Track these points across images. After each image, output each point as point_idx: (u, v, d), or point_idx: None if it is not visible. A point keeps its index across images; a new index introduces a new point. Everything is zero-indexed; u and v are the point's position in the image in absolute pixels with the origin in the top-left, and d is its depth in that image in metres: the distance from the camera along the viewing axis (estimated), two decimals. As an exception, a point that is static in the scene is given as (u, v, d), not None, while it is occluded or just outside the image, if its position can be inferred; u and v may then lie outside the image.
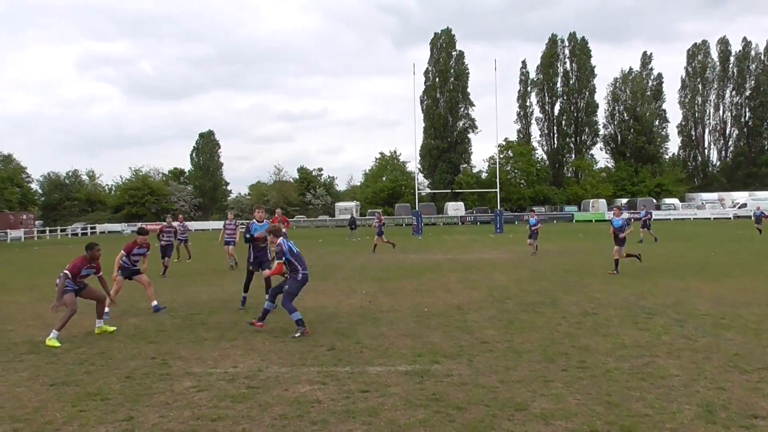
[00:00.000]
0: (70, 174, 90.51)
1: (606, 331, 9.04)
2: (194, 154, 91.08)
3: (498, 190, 53.84)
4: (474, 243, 32.96)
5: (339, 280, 16.19)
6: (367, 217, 68.59)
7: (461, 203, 73.34)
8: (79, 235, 64.61)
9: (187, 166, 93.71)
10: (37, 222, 72.00)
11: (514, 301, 11.95)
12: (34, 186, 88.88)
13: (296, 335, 8.99)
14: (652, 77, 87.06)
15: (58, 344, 8.83)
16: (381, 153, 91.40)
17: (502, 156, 77.10)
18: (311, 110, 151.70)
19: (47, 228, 67.18)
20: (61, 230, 65.25)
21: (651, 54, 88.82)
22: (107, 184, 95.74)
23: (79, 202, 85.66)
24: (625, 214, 22.45)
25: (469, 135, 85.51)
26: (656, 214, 63.90)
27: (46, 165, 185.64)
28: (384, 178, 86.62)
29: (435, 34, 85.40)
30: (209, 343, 8.78)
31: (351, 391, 6.35)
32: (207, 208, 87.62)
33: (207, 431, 5.33)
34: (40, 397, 6.38)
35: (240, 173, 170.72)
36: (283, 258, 9.33)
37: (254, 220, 12.31)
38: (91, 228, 68.87)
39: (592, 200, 72.05)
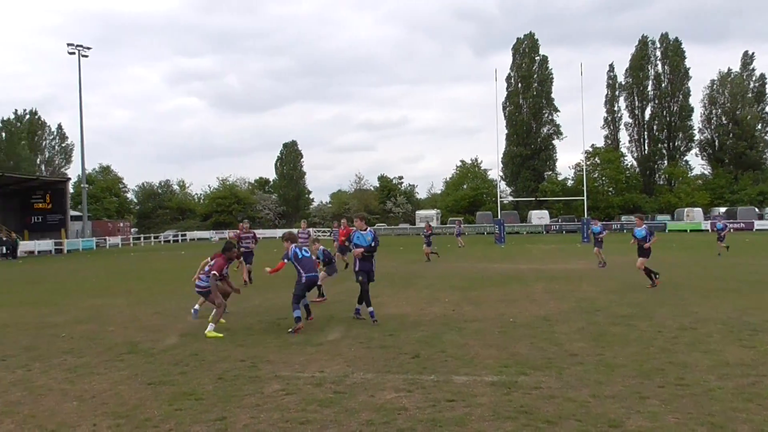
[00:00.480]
0: (162, 184, 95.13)
1: (706, 347, 8.54)
2: (278, 164, 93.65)
3: (585, 198, 52.29)
4: (560, 252, 32.10)
5: (421, 288, 16.15)
6: (448, 226, 68.33)
7: (545, 211, 71.67)
8: (171, 242, 67.65)
9: (271, 176, 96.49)
10: (132, 229, 75.98)
11: (604, 314, 11.52)
12: (130, 195, 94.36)
13: (290, 330, 10.03)
14: (753, 78, 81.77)
15: (220, 335, 9.95)
16: (462, 161, 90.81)
17: (588, 163, 74.76)
18: (391, 119, 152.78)
19: (142, 235, 70.87)
20: (155, 237, 68.58)
21: (753, 54, 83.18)
22: (196, 194, 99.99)
23: (170, 211, 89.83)
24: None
25: (553, 141, 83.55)
26: (758, 225, 60.20)
27: (140, 176, 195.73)
28: (465, 186, 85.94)
29: (517, 39, 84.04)
30: (295, 347, 8.94)
31: (437, 400, 6.29)
32: (290, 217, 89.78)
33: (295, 434, 5.41)
34: (138, 395, 6.69)
35: (322, 182, 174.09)
36: (286, 260, 10.57)
37: (356, 229, 11.78)
38: (182, 235, 72.02)
39: (686, 209, 68.54)
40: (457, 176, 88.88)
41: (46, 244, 51.28)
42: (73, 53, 56.81)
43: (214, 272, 10.60)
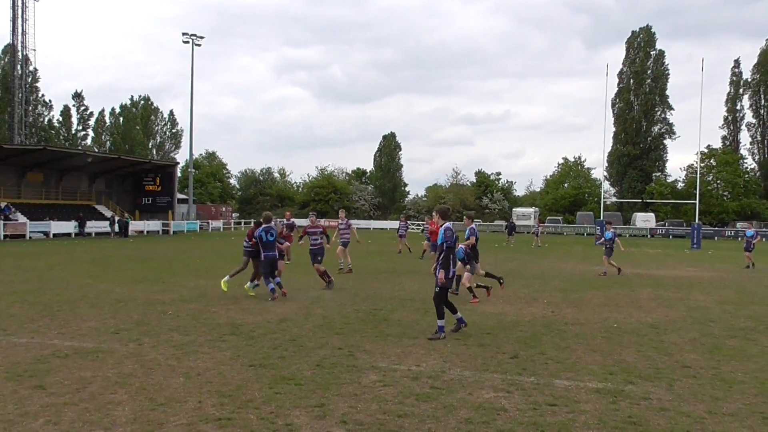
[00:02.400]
0: (264, 171, 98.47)
1: (840, 368, 7.75)
2: (377, 155, 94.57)
3: (697, 201, 49.39)
4: (667, 258, 30.46)
5: (519, 287, 15.75)
6: (546, 225, 66.57)
7: (652, 214, 68.23)
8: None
9: (369, 167, 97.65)
10: (234, 214, 79.16)
11: (720, 325, 10.74)
12: (233, 181, 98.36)
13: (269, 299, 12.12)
14: None
15: (225, 289, 13.30)
16: (564, 158, 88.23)
17: (703, 165, 70.48)
18: (494, 114, 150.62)
19: (242, 220, 73.66)
20: (255, 222, 71.03)
21: None
22: (296, 182, 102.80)
23: (270, 198, 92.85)
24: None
25: (664, 141, 79.48)
26: None
27: (243, 162, 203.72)
28: (566, 185, 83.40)
29: (632, 32, 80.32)
30: (392, 339, 8.91)
31: (538, 403, 6.04)
32: (386, 208, 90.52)
33: (394, 427, 5.35)
34: (241, 376, 6.86)
35: (418, 175, 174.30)
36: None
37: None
38: (281, 222, 74.12)
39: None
40: (559, 174, 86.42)
41: (155, 225, 54.42)
42: (187, 42, 59.81)
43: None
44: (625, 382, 6.87)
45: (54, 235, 43.66)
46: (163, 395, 6.10)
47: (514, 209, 75.74)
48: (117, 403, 5.86)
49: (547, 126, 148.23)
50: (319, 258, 14.82)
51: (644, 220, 66.24)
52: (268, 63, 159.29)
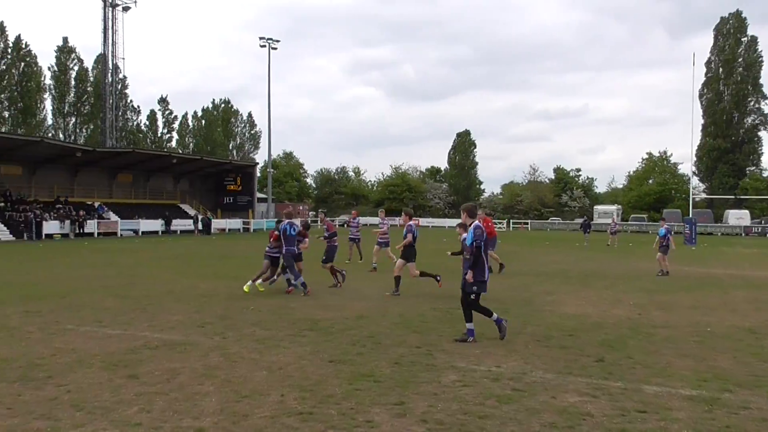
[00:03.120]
0: (338, 170, 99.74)
1: None
2: (451, 153, 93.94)
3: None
4: (764, 258, 28.70)
5: (601, 288, 15.23)
6: (630, 222, 64.29)
7: (746, 211, 64.33)
8: (345, 226, 70.59)
9: (443, 165, 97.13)
10: (310, 212, 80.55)
11: (825, 331, 9.99)
12: (309, 180, 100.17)
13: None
14: None
15: (246, 290, 13.11)
16: (648, 153, 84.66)
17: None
18: (571, 108, 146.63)
19: (318, 218, 74.92)
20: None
21: None
22: (370, 180, 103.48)
23: (345, 196, 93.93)
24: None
25: (759, 133, 74.89)
26: None
27: (319, 162, 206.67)
28: (651, 181, 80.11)
29: (721, 18, 76.01)
30: (470, 339, 8.78)
31: (626, 409, 5.79)
32: (460, 207, 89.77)
33: (475, 428, 5.25)
34: (320, 371, 6.93)
35: (493, 172, 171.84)
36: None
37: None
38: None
39: None
40: (643, 170, 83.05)
41: (236, 223, 56.15)
42: (264, 46, 61.47)
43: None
44: (721, 390, 6.49)
45: (142, 232, 45.84)
46: (247, 388, 6.25)
47: (595, 207, 73.41)
48: (204, 394, 6.05)
49: (628, 120, 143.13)
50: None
51: (738, 217, 62.63)
52: (341, 63, 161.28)
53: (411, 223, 13.72)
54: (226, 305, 11.58)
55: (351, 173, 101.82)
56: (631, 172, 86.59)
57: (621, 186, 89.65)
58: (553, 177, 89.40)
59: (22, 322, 9.84)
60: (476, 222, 8.93)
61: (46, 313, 10.66)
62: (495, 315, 8.83)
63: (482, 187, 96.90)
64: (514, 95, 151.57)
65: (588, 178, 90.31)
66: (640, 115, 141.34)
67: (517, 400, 5.99)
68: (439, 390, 6.28)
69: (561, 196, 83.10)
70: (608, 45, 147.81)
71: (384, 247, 18.78)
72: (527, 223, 71.07)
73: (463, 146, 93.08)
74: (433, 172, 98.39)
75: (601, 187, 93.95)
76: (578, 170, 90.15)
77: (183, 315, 10.56)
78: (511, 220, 72.14)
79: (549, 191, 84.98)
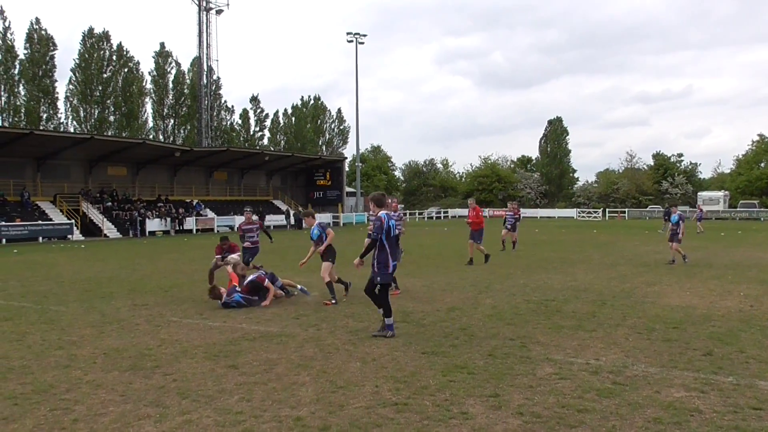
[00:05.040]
0: (427, 162, 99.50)
1: None
2: (542, 142, 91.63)
3: None
4: None
5: (707, 278, 14.39)
6: (738, 210, 60.50)
7: None
8: (434, 218, 70.54)
9: (534, 154, 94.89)
10: (399, 205, 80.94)
11: None
12: (398, 173, 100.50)
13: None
14: None
15: None
16: (760, 135, 78.97)
17: None
18: (673, 90, 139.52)
19: (407, 211, 75.09)
20: (419, 213, 72.14)
21: None
22: (458, 172, 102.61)
23: (434, 188, 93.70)
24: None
25: None
26: None
27: (407, 155, 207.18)
28: (762, 164, 74.84)
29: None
30: (566, 331, 8.52)
31: (739, 406, 5.43)
32: (553, 196, 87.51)
33: (574, 421, 5.09)
34: (414, 363, 6.93)
35: (588, 160, 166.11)
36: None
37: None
38: (444, 212, 74.74)
39: None
40: (753, 153, 77.64)
41: (326, 217, 57.09)
42: (351, 41, 62.18)
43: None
44: None
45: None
46: (342, 378, 6.34)
47: (699, 193, 69.47)
48: (301, 384, 6.19)
49: (736, 100, 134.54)
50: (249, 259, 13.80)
51: None
52: (429, 54, 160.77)
53: (319, 222, 11.92)
54: (321, 297, 11.81)
55: (439, 165, 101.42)
56: (740, 156, 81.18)
57: (728, 171, 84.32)
58: (652, 163, 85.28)
59: (130, 314, 10.44)
60: (381, 212, 8.51)
61: (152, 306, 11.27)
62: (392, 320, 8.33)
63: (576, 175, 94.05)
64: (610, 79, 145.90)
65: (691, 163, 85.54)
66: (751, 94, 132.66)
67: (619, 394, 5.75)
68: (535, 383, 6.13)
69: (661, 183, 79.12)
70: (714, 21, 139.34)
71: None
72: (624, 212, 68.29)
73: (555, 134, 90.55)
74: (524, 161, 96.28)
75: (705, 173, 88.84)
76: (680, 155, 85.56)
77: (278, 307, 10.86)
78: (606, 209, 69.59)
79: (648, 178, 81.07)
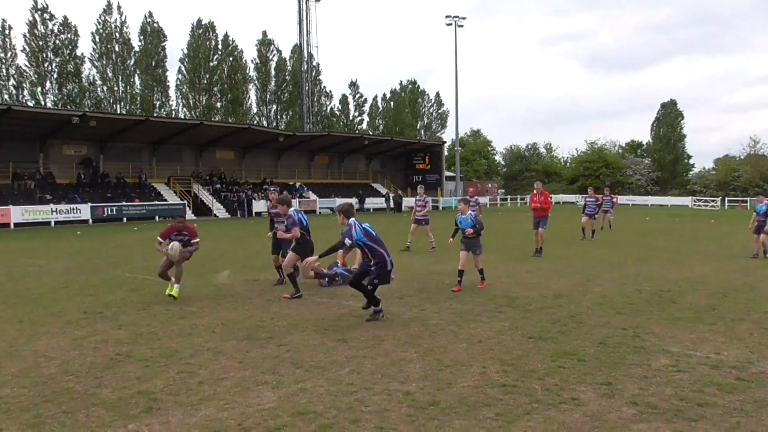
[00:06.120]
0: (529, 147, 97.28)
1: None
2: (654, 126, 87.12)
3: None
4: None
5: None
6: None
7: None
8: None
9: (645, 138, 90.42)
10: (499, 190, 79.69)
11: None
12: (498, 158, 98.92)
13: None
14: None
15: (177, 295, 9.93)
16: None
17: None
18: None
19: (508, 196, 73.89)
20: (521, 199, 70.76)
21: None
22: (563, 157, 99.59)
23: (536, 173, 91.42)
24: None
25: None
26: None
27: (508, 139, 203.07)
28: None
29: None
30: (682, 323, 8.13)
31: None
32: (665, 183, 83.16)
33: (693, 415, 4.87)
34: (521, 347, 6.86)
35: (705, 146, 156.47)
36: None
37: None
38: (549, 196, 72.78)
39: None
40: None
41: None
42: (450, 24, 61.53)
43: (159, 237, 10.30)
44: None
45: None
46: (448, 357, 6.38)
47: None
48: (408, 360, 6.29)
49: None
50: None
51: None
52: (531, 36, 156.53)
53: (292, 211, 10.58)
54: (423, 279, 11.91)
55: (542, 150, 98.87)
56: None
57: None
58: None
59: (243, 289, 10.96)
60: (351, 219, 8.50)
61: (263, 282, 11.78)
62: (381, 306, 8.46)
63: (691, 161, 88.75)
64: (732, 58, 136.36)
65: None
66: None
67: (743, 391, 5.44)
68: (650, 374, 5.91)
69: (788, 171, 73.14)
70: None
71: (423, 225, 18.07)
72: (746, 201, 63.86)
73: (669, 118, 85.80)
74: (634, 146, 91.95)
75: None
76: (811, 141, 78.56)
77: (383, 287, 11.02)
78: (725, 198, 65.37)
79: (774, 166, 75.23)
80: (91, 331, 7.84)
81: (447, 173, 64.99)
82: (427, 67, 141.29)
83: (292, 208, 10.53)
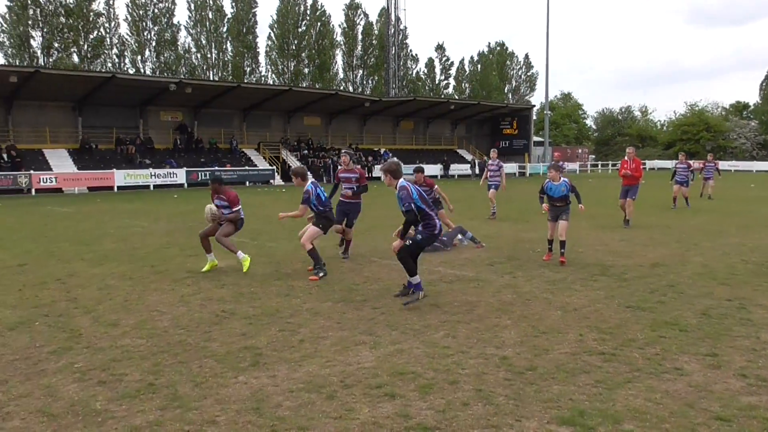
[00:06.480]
0: (623, 110, 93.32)
1: None
2: (763, 86, 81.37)
3: None
4: None
5: None
6: None
7: None
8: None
9: (752, 100, 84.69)
10: (590, 156, 77.07)
11: None
12: (589, 122, 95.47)
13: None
14: None
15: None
16: None
17: None
18: None
19: (599, 162, 71.31)
20: (612, 165, 68.15)
21: None
22: (659, 120, 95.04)
23: (630, 138, 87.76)
24: None
25: None
26: None
27: (600, 102, 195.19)
28: None
29: None
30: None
31: None
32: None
33: (808, 392, 4.65)
34: (618, 316, 6.72)
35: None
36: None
37: None
38: (642, 164, 69.78)
39: None
40: None
41: (511, 167, 56.15)
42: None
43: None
44: None
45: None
46: (543, 324, 6.35)
47: None
48: (502, 326, 6.31)
49: None
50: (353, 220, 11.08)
51: None
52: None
53: (403, 181, 9.18)
54: (513, 246, 11.81)
55: (637, 113, 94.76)
56: None
57: None
58: None
59: (335, 253, 11.22)
60: (401, 181, 7.54)
61: (352, 247, 12.00)
62: (418, 278, 7.47)
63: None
64: None
65: None
66: None
67: None
68: (759, 346, 5.66)
69: None
70: None
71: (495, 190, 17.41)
72: None
73: (777, 77, 79.89)
74: (739, 108, 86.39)
75: None
76: None
77: (471, 253, 11.05)
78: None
79: None
80: (196, 289, 8.31)
81: (535, 138, 63.41)
82: (516, 27, 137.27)
83: (309, 182, 9.63)
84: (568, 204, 10.39)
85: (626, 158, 15.85)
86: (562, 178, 10.35)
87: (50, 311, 7.10)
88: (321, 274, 9.01)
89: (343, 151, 11.39)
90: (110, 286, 8.52)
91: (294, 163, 45.23)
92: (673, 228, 14.68)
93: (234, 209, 9.60)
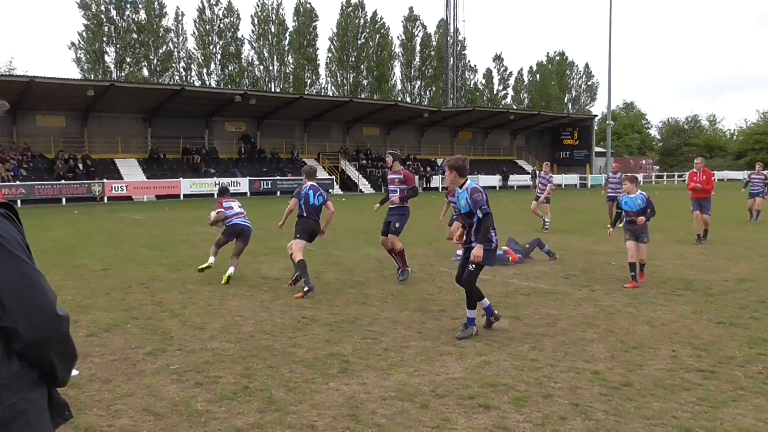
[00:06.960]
0: (689, 119, 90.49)
1: None
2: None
3: None
4: None
5: None
6: None
7: None
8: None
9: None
10: (654, 167, 74.89)
11: None
12: (653, 132, 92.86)
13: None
14: None
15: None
16: None
17: None
18: None
19: (664, 173, 69.18)
20: (678, 176, 65.88)
21: None
22: (729, 129, 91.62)
23: (697, 148, 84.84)
24: None
25: None
26: None
27: (665, 111, 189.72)
28: None
29: None
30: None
31: None
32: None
33: None
34: (710, 332, 6.47)
35: None
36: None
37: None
38: (712, 175, 67.27)
39: None
40: None
41: (572, 178, 55.26)
42: (606, -8, 58.05)
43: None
44: None
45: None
46: (632, 339, 6.17)
47: None
48: (589, 340, 6.16)
49: None
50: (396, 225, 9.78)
51: None
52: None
53: (309, 184, 9.41)
54: (586, 260, 11.55)
55: (704, 122, 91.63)
56: None
57: None
58: None
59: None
60: (470, 183, 6.69)
61: (420, 257, 11.97)
62: (475, 312, 6.48)
63: None
64: None
65: None
66: None
67: None
68: None
69: None
70: None
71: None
72: None
73: None
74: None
75: None
76: None
77: (544, 265, 10.86)
78: None
79: None
80: (274, 295, 8.45)
81: (597, 149, 62.07)
82: (575, 36, 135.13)
83: (309, 183, 9.29)
84: (648, 221, 9.71)
85: (695, 170, 14.75)
86: (638, 192, 9.89)
87: (139, 314, 7.35)
88: (306, 289, 8.34)
89: (388, 151, 10.79)
90: (191, 291, 8.76)
91: (353, 173, 45.62)
92: (753, 241, 14.09)
93: (217, 209, 10.18)
